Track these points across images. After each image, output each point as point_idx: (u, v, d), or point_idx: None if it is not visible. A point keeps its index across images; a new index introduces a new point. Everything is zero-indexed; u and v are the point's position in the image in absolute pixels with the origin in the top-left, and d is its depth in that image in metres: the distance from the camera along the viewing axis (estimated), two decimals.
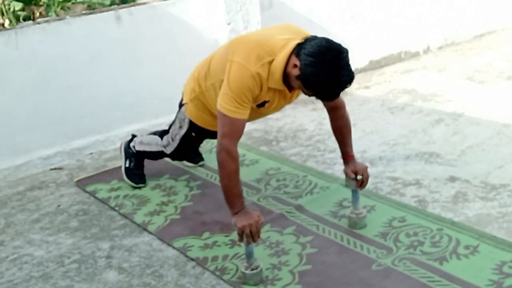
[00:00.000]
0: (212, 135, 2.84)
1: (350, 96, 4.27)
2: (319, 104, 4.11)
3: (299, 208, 2.76)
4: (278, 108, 2.59)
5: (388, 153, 3.30)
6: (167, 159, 3.32)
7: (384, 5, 4.76)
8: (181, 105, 2.84)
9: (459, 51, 5.16)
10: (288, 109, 4.11)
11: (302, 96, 4.43)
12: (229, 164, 2.28)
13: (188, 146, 2.95)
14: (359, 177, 2.53)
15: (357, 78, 4.62)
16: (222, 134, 2.31)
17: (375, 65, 4.85)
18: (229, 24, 3.91)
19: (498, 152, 3.20)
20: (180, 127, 2.84)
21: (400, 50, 4.99)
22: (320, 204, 2.78)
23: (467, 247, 2.36)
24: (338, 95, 2.28)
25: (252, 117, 2.49)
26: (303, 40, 2.26)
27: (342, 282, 2.23)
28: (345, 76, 2.20)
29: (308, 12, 4.36)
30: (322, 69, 2.18)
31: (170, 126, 2.93)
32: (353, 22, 4.60)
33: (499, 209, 2.64)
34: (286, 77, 2.31)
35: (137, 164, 3.10)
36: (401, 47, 5.00)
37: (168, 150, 2.95)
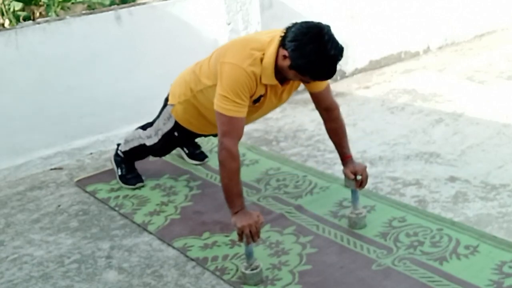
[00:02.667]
0: (196, 136, 2.94)
1: (350, 96, 4.27)
2: None
3: (299, 208, 2.76)
4: (272, 106, 2.60)
5: (388, 153, 3.30)
6: (166, 158, 3.33)
7: (384, 5, 4.76)
8: (166, 102, 2.86)
9: (459, 51, 5.16)
10: (288, 109, 4.12)
11: (302, 96, 4.45)
12: (229, 163, 2.29)
13: (170, 145, 2.98)
14: (358, 177, 2.53)
15: (357, 78, 4.67)
16: (222, 133, 2.32)
17: (375, 65, 4.85)
18: (229, 24, 3.91)
19: (498, 152, 3.20)
20: (164, 124, 2.86)
21: (400, 50, 4.99)
22: (320, 204, 2.78)
23: (467, 247, 2.36)
24: (333, 70, 2.23)
25: (249, 116, 2.49)
26: (285, 30, 2.28)
27: (342, 282, 2.23)
28: (333, 49, 2.18)
29: (308, 12, 4.35)
30: (307, 49, 2.18)
31: (154, 120, 2.96)
32: (353, 22, 4.60)
33: (499, 209, 2.64)
34: (279, 71, 2.32)
35: (128, 168, 3.12)
36: (401, 47, 5.00)
37: (149, 142, 2.95)
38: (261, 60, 2.32)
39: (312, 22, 2.27)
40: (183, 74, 2.79)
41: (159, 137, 2.91)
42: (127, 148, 3.08)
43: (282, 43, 2.26)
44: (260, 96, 2.45)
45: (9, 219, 2.92)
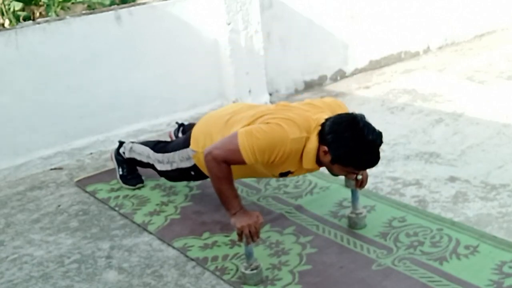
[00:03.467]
0: None
1: (350, 96, 4.27)
2: None
3: (299, 208, 2.76)
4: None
5: (388, 153, 3.30)
6: None
7: (384, 5, 4.76)
8: (187, 142, 2.69)
9: (459, 51, 5.16)
10: None
11: (302, 96, 4.45)
12: (215, 170, 2.28)
13: (182, 178, 2.87)
14: (358, 177, 2.53)
15: (357, 78, 4.67)
16: (217, 148, 2.28)
17: (375, 65, 4.85)
18: (229, 24, 3.91)
19: (498, 152, 3.20)
20: (181, 161, 2.74)
21: (400, 50, 5.00)
22: (320, 204, 2.78)
23: (467, 247, 2.36)
24: (376, 156, 2.20)
25: (262, 176, 2.43)
26: (321, 126, 2.25)
27: (342, 282, 2.23)
28: (370, 134, 2.16)
29: (308, 12, 4.36)
30: (345, 137, 2.16)
31: (169, 148, 2.83)
32: (353, 22, 4.60)
33: (499, 209, 2.64)
34: (319, 159, 2.29)
35: (130, 169, 3.11)
36: (401, 47, 5.00)
37: (160, 167, 2.86)
38: (306, 139, 2.26)
39: (344, 113, 2.28)
40: (211, 123, 2.61)
41: (173, 168, 2.79)
42: (132, 157, 3.05)
43: (321, 139, 2.23)
44: (289, 172, 2.41)
45: (9, 219, 2.92)
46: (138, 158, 3.00)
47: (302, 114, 2.33)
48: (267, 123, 2.29)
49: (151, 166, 2.93)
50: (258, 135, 2.24)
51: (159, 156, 2.85)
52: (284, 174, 2.42)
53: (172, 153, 2.78)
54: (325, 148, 2.22)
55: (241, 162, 2.27)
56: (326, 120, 2.26)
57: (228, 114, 2.57)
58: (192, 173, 2.73)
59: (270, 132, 2.25)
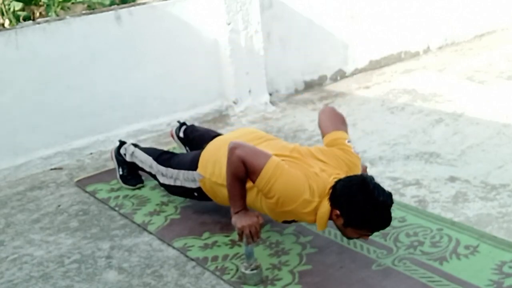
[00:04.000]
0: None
1: (350, 96, 4.27)
2: (319, 104, 4.13)
3: None
4: None
5: (388, 153, 3.30)
6: None
7: (384, 5, 4.76)
8: (194, 164, 2.63)
9: (459, 51, 5.16)
10: (288, 109, 4.12)
11: (302, 96, 4.45)
12: (235, 166, 2.25)
13: (183, 196, 2.83)
14: None
15: (357, 78, 4.67)
16: (247, 152, 2.24)
17: (375, 65, 4.85)
18: (229, 24, 3.91)
19: (498, 152, 3.20)
20: (186, 180, 2.68)
21: (400, 50, 4.99)
22: None
23: (467, 247, 2.36)
24: (389, 217, 2.19)
25: (255, 202, 2.39)
26: (331, 190, 2.22)
27: (342, 282, 2.23)
28: (381, 196, 2.16)
29: (308, 12, 4.36)
30: (357, 201, 2.15)
31: (174, 163, 2.76)
32: (353, 22, 4.60)
33: (499, 209, 2.64)
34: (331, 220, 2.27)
35: (130, 169, 3.10)
36: (401, 47, 5.00)
37: (162, 180, 2.80)
38: (315, 208, 2.23)
39: (353, 175, 2.27)
40: (222, 151, 2.47)
41: (176, 184, 2.73)
42: (132, 161, 3.03)
43: (332, 203, 2.21)
44: (293, 221, 2.41)
45: (9, 219, 2.92)
46: (140, 165, 2.97)
47: (321, 176, 2.29)
48: (297, 165, 2.27)
49: (153, 176, 2.90)
50: (285, 175, 2.21)
51: (163, 169, 2.79)
52: (288, 222, 2.42)
53: (177, 171, 2.71)
54: (337, 212, 2.20)
55: (252, 180, 2.25)
56: (336, 182, 2.23)
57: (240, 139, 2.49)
58: (195, 194, 2.69)
59: (293, 180, 2.22)
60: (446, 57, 5.03)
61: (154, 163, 2.85)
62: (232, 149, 2.26)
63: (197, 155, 2.66)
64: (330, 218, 2.24)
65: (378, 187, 2.19)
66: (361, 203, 2.14)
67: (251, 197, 2.35)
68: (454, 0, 5.19)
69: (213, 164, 2.53)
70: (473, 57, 4.96)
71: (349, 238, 2.31)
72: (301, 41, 4.39)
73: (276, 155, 2.30)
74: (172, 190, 2.81)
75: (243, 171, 2.25)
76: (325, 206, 2.22)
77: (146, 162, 2.92)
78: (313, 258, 2.39)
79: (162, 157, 2.85)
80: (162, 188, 3.05)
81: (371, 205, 2.14)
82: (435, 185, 2.90)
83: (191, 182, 2.66)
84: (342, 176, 2.30)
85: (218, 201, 2.62)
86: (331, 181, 2.26)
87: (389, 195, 2.19)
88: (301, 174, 2.24)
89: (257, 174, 2.21)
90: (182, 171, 2.69)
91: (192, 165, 2.64)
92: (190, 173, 2.65)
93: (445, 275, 2.20)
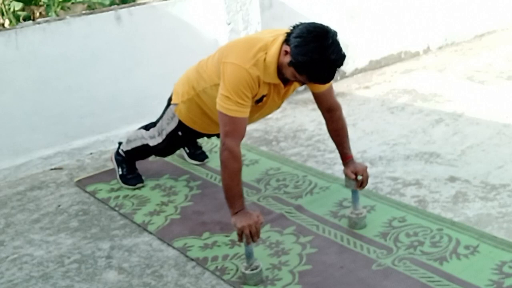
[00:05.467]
0: (200, 135, 2.91)
1: (350, 96, 4.27)
2: None
3: (299, 208, 2.76)
4: (274, 106, 2.60)
5: (388, 153, 3.30)
6: (166, 158, 3.32)
7: (384, 5, 4.76)
8: (169, 102, 2.84)
9: (459, 51, 5.17)
10: (288, 109, 4.12)
11: (302, 96, 4.45)
12: (231, 164, 2.28)
13: (174, 144, 2.96)
14: (359, 177, 2.53)
15: (357, 78, 4.67)
16: (224, 133, 2.32)
17: (375, 65, 4.85)
18: (229, 24, 3.91)
19: (498, 152, 3.20)
20: (168, 123, 2.85)
21: (400, 50, 4.99)
22: (320, 204, 2.78)
23: (467, 247, 2.36)
24: (331, 75, 2.22)
25: (251, 116, 2.49)
26: (292, 27, 2.28)
27: (342, 282, 2.23)
28: (334, 54, 2.17)
29: (308, 12, 4.35)
30: (309, 47, 2.17)
31: (158, 120, 2.95)
32: (353, 22, 4.60)
33: (499, 209, 2.64)
34: (280, 70, 2.32)
35: (129, 168, 3.12)
36: (401, 47, 5.00)
37: (152, 143, 2.94)
38: (264, 60, 2.31)
39: (320, 24, 2.26)
40: (187, 73, 2.77)
41: (163, 137, 2.89)
42: (129, 148, 3.07)
43: (287, 39, 2.25)
44: (263, 96, 2.44)
45: (9, 219, 2.92)
46: (134, 145, 3.04)
47: (251, 38, 2.42)
48: (223, 63, 2.35)
49: (147, 149, 2.99)
50: (227, 92, 2.30)
51: (151, 131, 2.96)
52: (259, 100, 2.46)
53: (159, 122, 2.91)
54: (288, 48, 2.23)
55: (244, 120, 2.33)
56: (300, 23, 2.27)
57: (197, 62, 2.71)
58: (180, 133, 2.83)
59: (230, 78, 2.31)
60: (446, 57, 5.03)
61: (144, 132, 3.00)
62: (224, 152, 2.30)
63: (170, 95, 2.85)
64: (279, 68, 2.29)
65: (336, 44, 2.19)
66: (312, 51, 2.16)
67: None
68: (454, 0, 5.19)
69: (182, 86, 2.73)
70: (473, 57, 4.96)
71: (286, 80, 2.37)
72: None
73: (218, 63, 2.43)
74: (162, 147, 2.93)
75: (240, 165, 2.30)
76: (272, 55, 2.28)
77: (137, 136, 3.03)
78: (313, 258, 2.39)
79: (150, 124, 3.02)
80: (162, 188, 3.06)
81: (320, 56, 2.15)
82: (435, 185, 2.90)
83: (171, 122, 2.82)
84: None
85: (198, 129, 2.78)
86: (271, 36, 2.35)
87: (342, 56, 2.20)
88: (228, 62, 2.33)
89: (239, 118, 2.31)
90: (163, 118, 2.88)
91: (168, 104, 2.85)
92: (168, 111, 2.84)
93: (445, 275, 2.21)
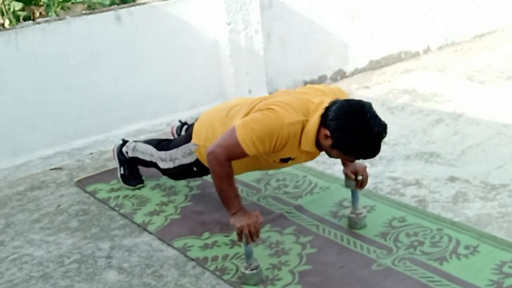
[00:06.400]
0: None
1: (350, 96, 4.26)
2: None
3: (299, 208, 2.76)
4: (297, 164, 2.54)
5: (388, 153, 3.30)
6: None
7: (384, 5, 4.76)
8: (189, 137, 2.69)
9: (459, 51, 5.16)
10: None
11: None
12: (217, 169, 2.27)
13: (185, 175, 2.86)
14: (359, 177, 2.53)
15: (357, 78, 4.67)
16: (219, 145, 2.27)
17: (375, 65, 4.85)
18: (229, 24, 3.91)
19: (498, 152, 3.20)
20: (183, 156, 2.72)
21: (400, 50, 5.00)
22: (320, 204, 2.78)
23: (467, 247, 2.36)
24: (378, 149, 2.19)
25: (266, 166, 2.43)
26: (325, 109, 2.21)
27: (342, 282, 2.23)
28: (376, 127, 2.13)
29: (308, 12, 4.36)
30: (351, 128, 2.13)
31: (171, 145, 2.82)
32: (353, 22, 4.60)
33: (499, 209, 2.64)
34: (318, 142, 2.26)
35: (131, 169, 3.11)
36: (401, 47, 5.00)
37: (163, 165, 2.84)
38: (303, 123, 2.24)
39: (352, 100, 2.24)
40: (212, 116, 2.60)
41: (175, 165, 2.77)
42: (135, 156, 3.04)
43: (323, 122, 2.19)
44: (289, 159, 2.38)
45: (9, 219, 2.92)
46: (141, 157, 3.00)
47: (300, 97, 2.31)
48: (261, 110, 2.28)
49: (154, 165, 2.93)
50: (254, 125, 2.23)
51: (162, 154, 2.84)
52: (284, 160, 2.40)
53: (174, 150, 2.77)
54: (327, 132, 2.18)
55: (244, 155, 2.26)
56: (332, 103, 2.21)
57: (229, 106, 2.57)
58: (195, 169, 2.71)
59: (265, 120, 2.23)
60: (446, 57, 5.03)
61: (154, 150, 2.89)
62: (209, 156, 2.28)
63: (191, 129, 2.71)
64: (317, 138, 2.24)
65: (375, 117, 2.16)
66: (355, 131, 2.12)
67: (245, 161, 2.35)
68: (454, 0, 5.19)
69: (206, 130, 2.58)
70: (473, 57, 4.96)
71: (332, 157, 2.32)
72: (301, 41, 4.39)
73: (254, 106, 2.33)
74: (173, 173, 2.83)
75: (229, 168, 2.26)
76: (312, 124, 2.21)
77: (146, 151, 2.95)
78: (313, 258, 2.39)
79: (161, 144, 2.91)
80: (162, 188, 3.06)
81: (365, 135, 2.12)
82: (435, 185, 2.90)
83: (188, 157, 2.69)
84: (330, 98, 2.28)
85: None
86: (316, 101, 2.26)
87: (384, 127, 2.16)
88: (270, 108, 2.24)
89: (241, 147, 2.22)
90: (179, 148, 2.74)
91: (187, 139, 2.70)
92: (186, 146, 2.69)
93: (445, 275, 2.20)
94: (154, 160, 2.91)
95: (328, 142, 2.21)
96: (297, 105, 2.26)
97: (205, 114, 2.72)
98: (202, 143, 2.58)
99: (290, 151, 2.33)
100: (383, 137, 2.16)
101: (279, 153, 2.34)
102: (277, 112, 2.23)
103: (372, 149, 2.18)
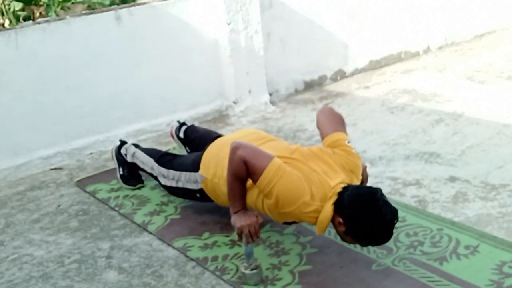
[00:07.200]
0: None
1: (350, 96, 4.27)
2: (319, 104, 4.13)
3: None
4: None
5: (388, 153, 3.30)
6: None
7: (384, 5, 4.76)
8: (196, 165, 2.62)
9: (459, 51, 5.16)
10: (288, 109, 4.12)
11: (302, 96, 4.45)
12: (236, 166, 2.24)
13: (185, 197, 2.83)
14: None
15: (357, 78, 4.67)
16: (249, 153, 2.22)
17: (375, 65, 4.85)
18: (229, 24, 3.91)
19: (498, 152, 3.20)
20: (188, 182, 2.68)
21: (400, 50, 4.99)
22: None
23: (467, 247, 2.36)
24: (391, 235, 2.19)
25: (278, 217, 2.39)
26: (338, 194, 2.21)
27: (342, 282, 2.23)
28: (388, 214, 2.14)
29: (308, 12, 4.36)
30: (363, 216, 2.14)
31: (176, 165, 2.75)
32: (353, 22, 4.60)
33: (499, 209, 2.64)
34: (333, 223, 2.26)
35: (130, 170, 3.10)
36: (401, 47, 5.00)
37: (164, 182, 2.80)
38: (318, 211, 2.22)
39: (363, 187, 2.25)
40: (224, 151, 2.45)
41: (178, 186, 2.73)
42: (134, 161, 3.02)
43: (337, 209, 2.19)
44: (294, 222, 2.40)
45: (9, 219, 2.92)
46: (141, 166, 2.97)
47: (323, 180, 2.27)
48: (297, 169, 2.24)
49: (154, 177, 2.90)
50: (286, 177, 2.19)
51: (164, 171, 2.79)
52: (288, 223, 2.41)
53: (179, 173, 2.71)
54: (341, 220, 2.19)
55: (253, 180, 2.24)
56: (345, 189, 2.21)
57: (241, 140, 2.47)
58: (198, 195, 2.68)
59: (294, 182, 2.19)
60: (446, 57, 5.03)
61: (156, 165, 2.85)
62: (234, 149, 2.25)
63: (199, 156, 2.65)
64: (332, 223, 2.24)
65: (386, 204, 2.16)
66: (368, 219, 2.13)
67: (251, 196, 2.35)
68: (454, 0, 5.19)
69: (215, 165, 2.53)
70: (473, 57, 4.96)
71: (345, 241, 2.31)
72: (301, 41, 4.39)
73: (278, 156, 2.28)
74: (174, 191, 2.81)
75: (244, 171, 2.24)
76: (327, 211, 2.21)
77: (147, 163, 2.92)
78: (313, 258, 2.39)
79: (163, 159, 2.85)
80: (162, 188, 3.05)
81: (377, 222, 2.13)
82: (435, 185, 2.90)
83: (193, 184, 2.66)
84: (346, 180, 2.28)
85: (219, 202, 2.61)
86: (334, 186, 2.24)
87: (395, 212, 2.17)
88: (302, 177, 2.22)
89: (259, 175, 2.20)
90: (184, 173, 2.68)
91: (194, 167, 2.63)
92: (192, 174, 2.64)
93: (445, 275, 2.20)
94: (155, 174, 2.87)
95: (342, 229, 2.21)
96: (318, 188, 2.23)
97: (216, 144, 2.65)
98: (210, 177, 2.54)
99: (295, 218, 2.31)
100: (394, 223, 2.18)
101: (282, 217, 2.33)
102: (304, 186, 2.20)
103: (385, 236, 2.19)
